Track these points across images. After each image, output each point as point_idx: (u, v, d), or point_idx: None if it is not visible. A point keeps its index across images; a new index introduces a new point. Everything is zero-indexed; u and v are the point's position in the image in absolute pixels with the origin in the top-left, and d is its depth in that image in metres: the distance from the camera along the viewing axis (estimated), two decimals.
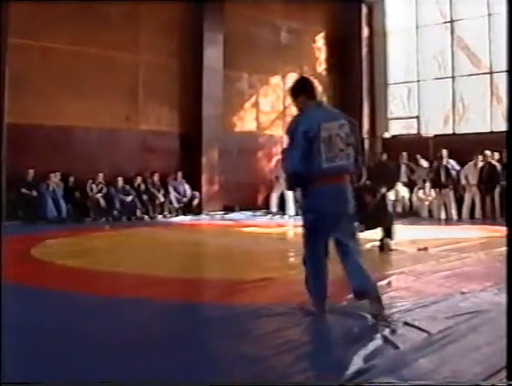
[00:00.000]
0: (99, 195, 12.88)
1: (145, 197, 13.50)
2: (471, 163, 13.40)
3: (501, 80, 14.69)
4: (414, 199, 13.94)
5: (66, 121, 12.84)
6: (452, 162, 13.71)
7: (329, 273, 4.29)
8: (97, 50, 13.27)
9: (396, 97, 17.41)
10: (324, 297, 4.23)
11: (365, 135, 17.44)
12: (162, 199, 13.80)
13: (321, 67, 17.53)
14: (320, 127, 4.06)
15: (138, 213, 13.27)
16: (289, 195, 13.64)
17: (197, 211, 14.27)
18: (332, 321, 4.13)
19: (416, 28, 16.85)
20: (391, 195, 12.03)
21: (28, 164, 12.05)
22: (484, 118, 15.56)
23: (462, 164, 13.61)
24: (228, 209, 14.80)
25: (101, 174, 13.00)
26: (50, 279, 6.10)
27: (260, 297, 4.98)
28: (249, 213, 14.66)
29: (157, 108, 14.36)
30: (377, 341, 3.52)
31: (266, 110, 16.21)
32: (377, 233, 7.67)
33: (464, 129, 15.85)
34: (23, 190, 12.03)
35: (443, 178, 13.49)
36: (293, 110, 4.59)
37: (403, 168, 14.56)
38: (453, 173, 13.54)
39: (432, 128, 16.20)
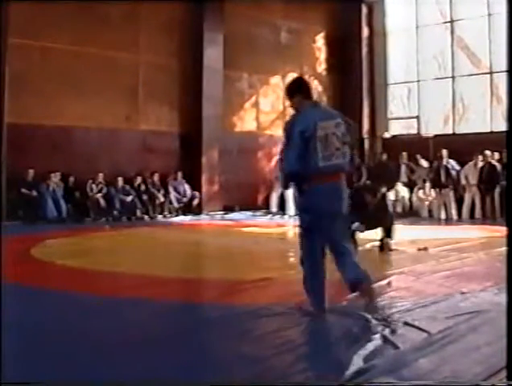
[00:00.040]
0: (99, 195, 12.88)
1: (145, 197, 13.50)
2: (471, 163, 13.40)
3: (501, 80, 14.69)
4: (414, 199, 13.95)
5: (66, 121, 12.84)
6: (452, 162, 13.71)
7: (327, 273, 4.29)
8: (97, 50, 13.27)
9: (396, 97, 17.41)
10: (322, 297, 4.23)
11: (365, 135, 17.46)
12: (162, 199, 13.80)
13: (321, 67, 17.53)
14: (317, 126, 4.10)
15: (138, 213, 13.27)
16: (289, 194, 13.62)
17: (197, 211, 14.27)
18: (331, 321, 4.13)
19: (416, 28, 16.85)
20: (391, 195, 12.08)
21: (28, 164, 12.05)
22: (484, 118, 15.56)
23: (462, 164, 13.61)
24: (228, 209, 14.80)
25: (101, 174, 13.00)
26: (50, 279, 6.10)
27: (260, 297, 4.98)
28: (249, 213, 14.66)
29: (157, 108, 14.36)
30: (377, 341, 3.52)
31: (266, 110, 16.21)
32: (377, 233, 7.67)
33: (464, 129, 15.85)
34: (23, 190, 12.03)
35: (443, 178, 13.50)
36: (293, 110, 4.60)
37: (403, 168, 14.58)
38: (453, 173, 13.55)
39: (432, 128, 16.20)
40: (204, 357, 3.39)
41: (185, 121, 14.78)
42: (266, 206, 15.23)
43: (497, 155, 13.13)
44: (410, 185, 14.22)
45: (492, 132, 14.92)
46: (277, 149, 14.93)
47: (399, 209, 13.50)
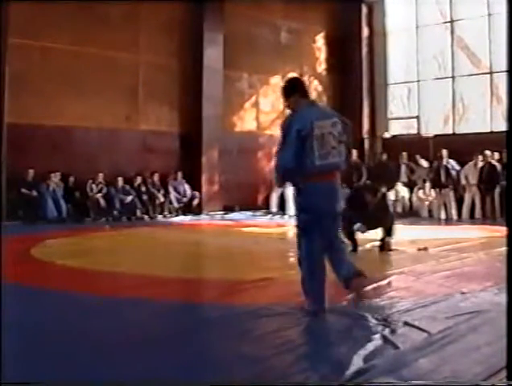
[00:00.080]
0: (99, 195, 12.88)
1: (145, 197, 13.50)
2: (471, 163, 13.40)
3: (501, 80, 14.69)
4: (414, 199, 13.94)
5: (66, 121, 12.84)
6: (452, 162, 13.71)
7: (327, 272, 4.30)
8: (97, 50, 13.27)
9: (396, 97, 17.41)
10: (322, 297, 4.21)
11: (365, 135, 17.47)
12: (162, 199, 13.80)
13: (321, 67, 17.53)
14: (313, 125, 4.14)
15: (138, 213, 13.27)
16: (289, 194, 13.62)
17: (197, 211, 14.27)
18: (332, 321, 4.14)
19: (416, 28, 16.84)
20: (391, 195, 12.08)
21: (28, 164, 12.05)
22: (484, 118, 15.56)
23: (462, 164, 13.61)
24: (228, 209, 14.80)
25: (101, 174, 13.00)
26: (50, 279, 6.10)
27: (260, 297, 4.98)
28: (249, 213, 14.66)
29: (157, 108, 14.36)
30: (377, 341, 3.52)
31: (266, 110, 16.21)
32: (377, 233, 7.67)
33: (464, 129, 15.85)
34: (23, 190, 12.03)
35: (443, 178, 13.50)
36: None
37: (403, 168, 14.58)
38: (453, 173, 13.55)
39: (432, 128, 16.20)
40: (204, 357, 3.39)
41: (185, 121, 14.79)
42: (266, 206, 15.23)
43: (497, 155, 13.13)
44: (410, 185, 14.22)
45: (492, 132, 14.92)
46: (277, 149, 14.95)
47: (399, 209, 13.50)
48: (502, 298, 4.22)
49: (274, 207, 14.76)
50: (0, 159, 11.72)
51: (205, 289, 5.85)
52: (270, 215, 14.25)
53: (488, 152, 13.12)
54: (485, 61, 15.51)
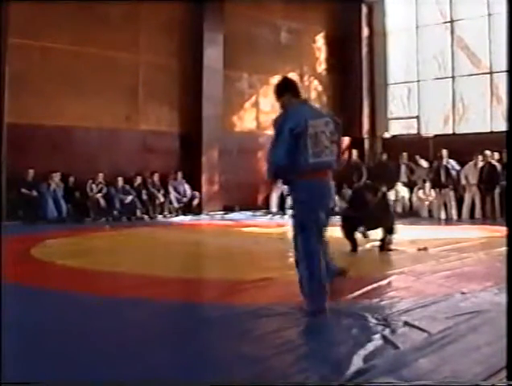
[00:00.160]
0: (99, 195, 12.88)
1: (145, 197, 13.49)
2: (471, 163, 13.40)
3: (501, 80, 14.69)
4: (414, 199, 13.94)
5: (66, 121, 12.84)
6: (452, 162, 13.71)
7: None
8: (97, 50, 13.27)
9: (396, 97, 17.41)
10: (322, 297, 4.19)
11: (365, 135, 17.47)
12: (162, 199, 13.80)
13: (321, 67, 17.53)
14: (308, 124, 4.18)
15: (138, 213, 13.27)
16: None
17: (197, 211, 14.27)
18: (331, 321, 4.13)
19: (416, 28, 16.85)
20: (391, 195, 12.08)
21: (28, 164, 12.05)
22: (484, 118, 15.56)
23: (462, 164, 13.61)
24: (228, 209, 14.80)
25: (101, 174, 13.00)
26: (50, 279, 6.09)
27: (260, 297, 4.98)
28: (249, 213, 14.65)
29: (157, 108, 14.36)
30: (377, 341, 3.52)
31: (266, 110, 16.19)
32: (377, 233, 7.67)
33: (464, 129, 15.85)
34: (23, 190, 12.03)
35: (443, 178, 13.50)
36: None
37: (403, 168, 14.58)
38: (453, 173, 13.55)
39: (432, 128, 16.20)
40: (204, 357, 3.39)
41: (185, 121, 14.79)
42: (266, 206, 15.22)
43: (497, 155, 13.13)
44: (410, 185, 14.23)
45: (492, 132, 14.92)
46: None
47: (399, 209, 13.49)
48: (502, 298, 4.22)
49: (274, 207, 14.75)
50: (0, 159, 11.72)
51: (205, 289, 5.84)
52: (270, 215, 14.25)
53: (488, 152, 13.12)
54: (485, 61, 15.51)
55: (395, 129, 17.04)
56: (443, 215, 13.33)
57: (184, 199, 14.16)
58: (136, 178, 13.61)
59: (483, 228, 10.84)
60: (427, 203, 13.69)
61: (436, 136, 15.56)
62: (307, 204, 4.22)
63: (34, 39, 12.36)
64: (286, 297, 4.71)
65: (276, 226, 11.91)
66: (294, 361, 3.25)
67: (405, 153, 14.65)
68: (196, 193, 14.34)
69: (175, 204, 14.05)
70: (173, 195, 14.01)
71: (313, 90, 17.28)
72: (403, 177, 14.47)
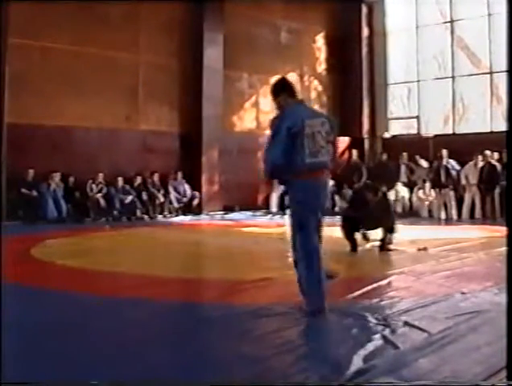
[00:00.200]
0: (99, 195, 12.88)
1: (145, 197, 13.49)
2: (471, 163, 13.40)
3: (501, 80, 14.68)
4: (414, 199, 13.94)
5: (66, 121, 12.84)
6: (452, 162, 13.71)
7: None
8: (97, 50, 13.27)
9: (396, 97, 17.41)
10: (322, 297, 4.18)
11: (365, 135, 17.47)
12: (162, 199, 13.80)
13: (321, 67, 17.53)
14: (304, 123, 4.20)
15: (138, 213, 13.27)
16: None
17: (197, 211, 14.27)
18: (331, 321, 4.13)
19: (416, 28, 16.84)
20: (391, 195, 12.08)
21: (28, 164, 12.05)
22: (484, 118, 15.56)
23: (462, 164, 13.61)
24: (228, 209, 14.80)
25: (101, 174, 13.00)
26: (50, 279, 6.09)
27: (260, 297, 4.98)
28: (249, 213, 14.64)
29: (157, 108, 14.36)
30: (377, 341, 3.52)
31: (265, 110, 16.17)
32: (377, 233, 7.67)
33: (464, 129, 15.85)
34: (23, 190, 12.03)
35: (443, 178, 13.50)
36: None
37: (403, 168, 14.58)
38: (453, 173, 13.55)
39: (432, 128, 16.20)
40: (204, 357, 3.39)
41: (185, 121, 14.78)
42: (266, 206, 15.20)
43: (497, 155, 13.13)
44: (410, 185, 14.22)
45: (492, 132, 14.92)
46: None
47: (399, 209, 13.49)
48: (502, 298, 4.22)
49: (274, 207, 14.74)
50: (0, 159, 11.72)
51: (205, 289, 5.84)
52: (270, 215, 14.24)
53: (488, 152, 13.12)
54: (485, 61, 15.51)
55: (395, 129, 17.04)
56: (443, 215, 13.33)
57: (184, 199, 14.16)
58: (136, 178, 13.61)
59: (483, 228, 10.84)
60: (427, 203, 13.68)
61: (436, 136, 15.56)
62: (303, 204, 4.24)
63: (34, 39, 12.36)
64: (286, 297, 4.71)
65: (276, 226, 11.89)
66: (294, 361, 3.25)
67: (405, 154, 14.65)
68: (196, 193, 14.34)
69: (175, 204, 14.05)
70: (173, 195, 14.01)
71: (313, 90, 17.28)
72: (403, 177, 14.47)
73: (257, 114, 16.12)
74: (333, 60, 17.55)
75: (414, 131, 16.32)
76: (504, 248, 6.20)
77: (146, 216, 13.34)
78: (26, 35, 12.14)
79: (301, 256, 4.26)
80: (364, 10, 17.57)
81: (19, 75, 11.90)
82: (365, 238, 7.70)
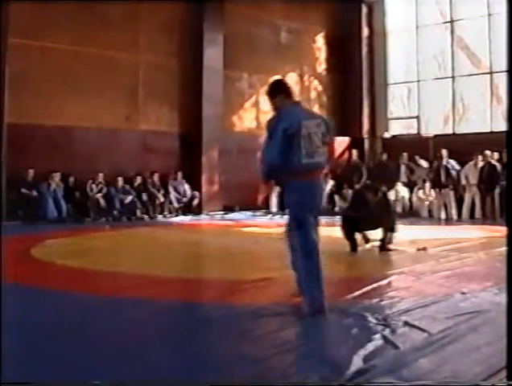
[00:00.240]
0: (99, 195, 12.88)
1: (145, 197, 13.49)
2: (471, 163, 13.39)
3: (501, 80, 14.69)
4: (414, 199, 13.94)
5: (66, 121, 12.84)
6: (452, 162, 13.71)
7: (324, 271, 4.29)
8: (97, 50, 13.27)
9: (396, 97, 17.41)
10: (321, 296, 4.18)
11: (365, 135, 17.47)
12: (162, 199, 13.80)
13: (321, 67, 17.53)
14: (301, 125, 4.23)
15: (138, 213, 13.27)
16: None
17: (197, 211, 14.27)
18: (332, 321, 4.13)
19: (416, 28, 16.85)
20: (391, 195, 12.08)
21: (28, 164, 12.05)
22: (484, 118, 15.56)
23: (462, 164, 13.61)
24: (228, 209, 14.80)
25: (101, 174, 13.00)
26: (50, 279, 6.09)
27: (260, 297, 4.98)
28: (249, 213, 14.64)
29: (157, 108, 14.36)
30: (377, 341, 3.52)
31: (266, 110, 16.15)
32: (377, 233, 7.67)
33: (464, 129, 15.85)
34: (23, 190, 12.03)
35: (443, 178, 13.50)
36: None
37: (403, 168, 14.58)
38: (453, 173, 13.55)
39: (432, 128, 16.20)
40: (204, 357, 3.39)
41: (185, 121, 14.78)
42: (266, 206, 15.18)
43: (497, 155, 13.13)
44: (410, 185, 14.22)
45: (492, 132, 14.92)
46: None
47: (399, 209, 13.49)
48: (502, 298, 4.22)
49: (274, 207, 14.73)
50: (0, 159, 11.72)
51: (205, 289, 5.84)
52: (270, 215, 14.23)
53: (488, 152, 13.11)
54: (485, 61, 15.51)
55: (395, 129, 17.04)
56: (443, 215, 13.32)
57: (184, 199, 14.16)
58: (136, 178, 13.61)
59: (483, 228, 10.84)
60: (427, 203, 13.68)
61: (436, 136, 15.56)
62: (300, 204, 4.26)
63: (34, 39, 12.36)
64: (286, 297, 4.71)
65: (276, 226, 11.88)
66: (294, 361, 3.26)
67: (405, 154, 14.65)
68: (196, 193, 14.34)
69: (175, 204, 14.05)
70: (173, 195, 14.01)
71: (313, 90, 17.28)
72: (403, 177, 14.47)
73: (257, 114, 16.12)
74: (333, 60, 17.56)
75: (415, 131, 16.32)
76: (504, 248, 6.20)
77: (146, 216, 13.34)
78: (26, 35, 12.14)
79: (301, 255, 4.26)
80: (364, 10, 17.58)
81: (19, 75, 11.90)
82: (366, 240, 7.70)
